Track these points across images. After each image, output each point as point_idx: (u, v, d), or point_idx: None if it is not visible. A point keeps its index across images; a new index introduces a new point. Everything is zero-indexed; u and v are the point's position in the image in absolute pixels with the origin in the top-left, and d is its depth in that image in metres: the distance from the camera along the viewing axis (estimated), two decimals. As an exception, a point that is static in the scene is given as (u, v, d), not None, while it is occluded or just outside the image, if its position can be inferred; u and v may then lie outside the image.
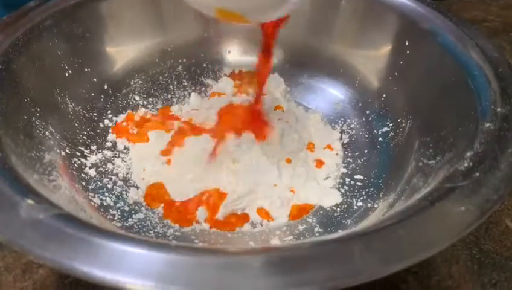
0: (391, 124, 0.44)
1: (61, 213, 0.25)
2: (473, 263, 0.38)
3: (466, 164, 0.29)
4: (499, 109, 0.32)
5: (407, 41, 0.44)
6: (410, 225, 0.25)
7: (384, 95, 0.46)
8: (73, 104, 0.43)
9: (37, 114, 0.38)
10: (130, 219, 0.38)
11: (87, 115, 0.45)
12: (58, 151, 0.39)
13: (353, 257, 0.23)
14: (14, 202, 0.25)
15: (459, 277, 0.37)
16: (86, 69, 0.45)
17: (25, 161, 0.32)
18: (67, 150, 0.40)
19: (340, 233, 0.36)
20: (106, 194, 0.40)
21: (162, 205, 0.40)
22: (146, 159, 0.44)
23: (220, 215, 0.39)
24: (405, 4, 0.45)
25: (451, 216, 0.26)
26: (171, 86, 0.52)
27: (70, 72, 0.44)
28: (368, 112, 0.47)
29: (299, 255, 0.23)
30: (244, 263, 0.23)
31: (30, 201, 0.25)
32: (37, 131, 0.37)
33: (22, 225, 0.24)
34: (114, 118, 0.47)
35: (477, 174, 0.28)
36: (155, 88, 0.51)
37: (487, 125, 0.31)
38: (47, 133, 0.38)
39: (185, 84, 0.52)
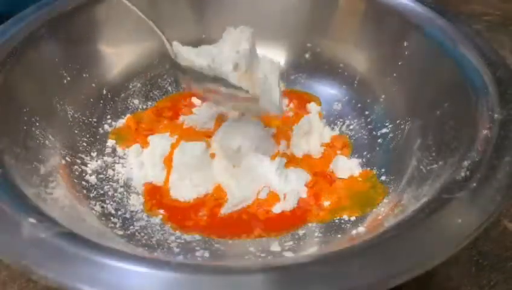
0: (390, 125, 0.44)
1: (63, 231, 0.25)
2: (472, 264, 0.38)
3: (463, 174, 0.29)
4: (496, 115, 0.32)
5: (405, 42, 0.44)
6: (408, 238, 0.25)
7: (383, 96, 0.46)
8: (72, 111, 0.43)
9: (37, 123, 0.38)
10: (131, 227, 0.38)
11: (86, 120, 0.45)
12: (58, 160, 0.39)
13: (352, 273, 0.23)
14: (16, 221, 0.26)
15: (458, 278, 0.37)
16: (84, 75, 0.45)
17: (24, 174, 0.32)
18: (67, 158, 0.40)
19: (340, 237, 0.37)
20: (107, 201, 0.40)
21: (163, 210, 0.40)
22: (146, 164, 0.44)
23: (220, 219, 0.40)
24: (404, 4, 0.45)
25: (448, 228, 0.26)
26: (170, 88, 0.52)
27: (68, 78, 0.44)
28: (367, 112, 0.47)
29: (299, 271, 0.23)
30: (245, 280, 0.23)
31: (32, 220, 0.26)
32: (37, 141, 0.38)
33: (25, 244, 0.24)
34: (113, 123, 0.47)
35: (474, 184, 0.28)
36: (154, 91, 0.51)
37: (484, 132, 0.31)
38: (47, 142, 0.39)
39: (185, 86, 0.52)
